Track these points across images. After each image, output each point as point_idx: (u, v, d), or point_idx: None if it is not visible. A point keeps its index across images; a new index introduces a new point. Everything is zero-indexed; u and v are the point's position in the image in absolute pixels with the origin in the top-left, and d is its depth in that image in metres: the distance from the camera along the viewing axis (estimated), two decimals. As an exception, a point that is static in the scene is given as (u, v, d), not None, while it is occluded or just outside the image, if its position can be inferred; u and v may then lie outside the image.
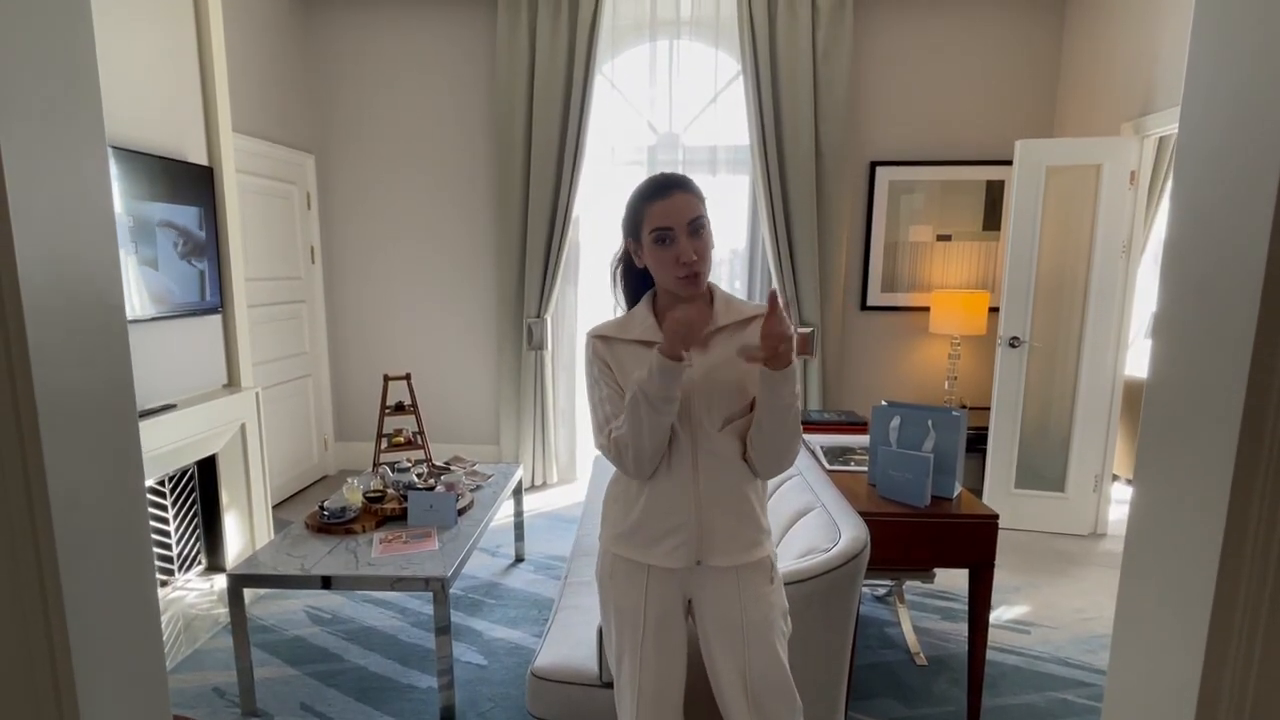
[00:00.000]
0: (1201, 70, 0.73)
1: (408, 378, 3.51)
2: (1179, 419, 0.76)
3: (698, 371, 1.36)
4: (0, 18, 0.60)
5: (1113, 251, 3.56)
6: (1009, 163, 4.15)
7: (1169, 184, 3.95)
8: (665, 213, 1.31)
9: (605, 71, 4.30)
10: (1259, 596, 0.68)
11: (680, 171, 4.35)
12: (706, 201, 1.38)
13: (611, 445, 1.39)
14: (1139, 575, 0.83)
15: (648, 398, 1.29)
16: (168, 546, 2.95)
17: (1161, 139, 3.63)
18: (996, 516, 2.10)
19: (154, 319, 2.67)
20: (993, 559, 2.12)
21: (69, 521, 0.67)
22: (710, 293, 1.44)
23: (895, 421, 2.27)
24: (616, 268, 1.52)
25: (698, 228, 1.33)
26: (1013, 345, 3.74)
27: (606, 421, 1.42)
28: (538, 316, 4.40)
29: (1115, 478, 4.51)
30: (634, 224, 1.37)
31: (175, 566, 2.99)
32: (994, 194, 4.31)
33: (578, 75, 4.13)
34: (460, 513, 2.64)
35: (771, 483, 2.33)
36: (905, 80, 4.28)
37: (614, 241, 1.48)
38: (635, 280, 1.49)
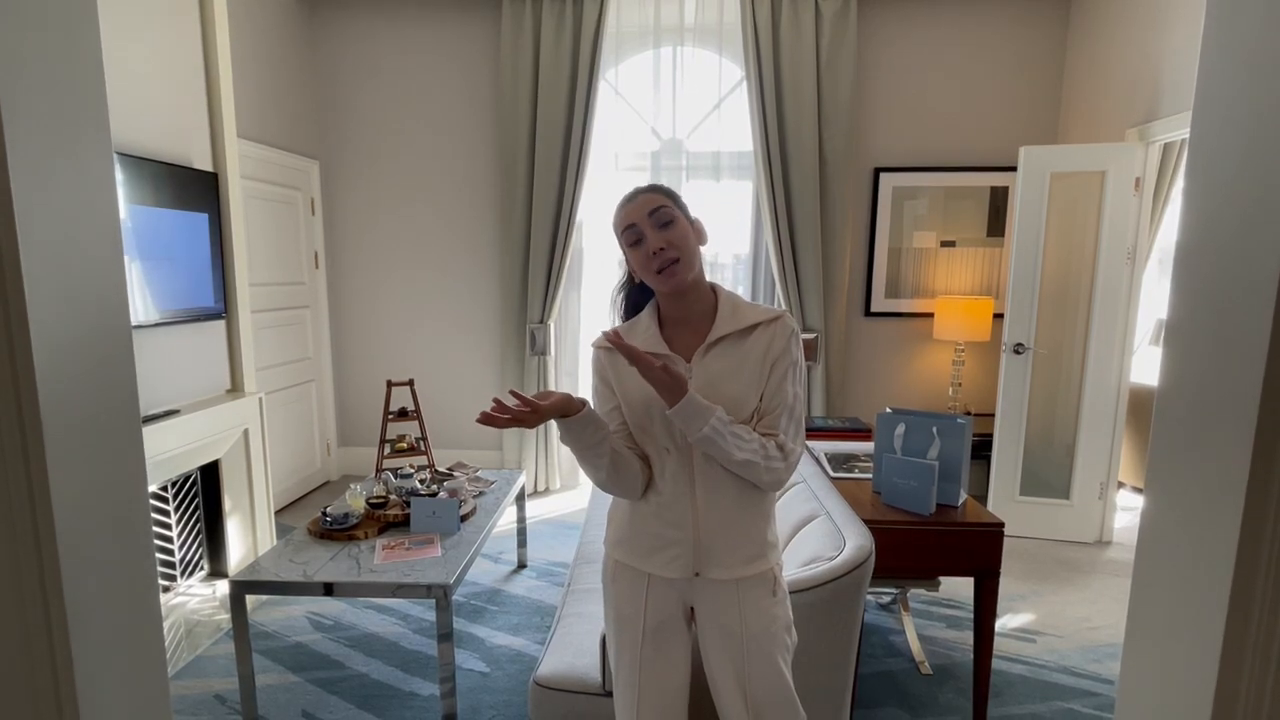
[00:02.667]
0: (1213, 75, 0.73)
1: (411, 383, 3.51)
2: (1192, 426, 0.76)
3: (695, 383, 1.34)
4: (7, 26, 0.60)
5: (1117, 258, 3.55)
6: (1013, 169, 4.15)
7: (1174, 190, 3.94)
8: (628, 214, 1.35)
9: (609, 78, 4.31)
10: (1276, 602, 0.68)
11: (684, 177, 4.37)
12: (681, 201, 1.38)
13: None
14: (1151, 583, 0.83)
15: (573, 446, 1.32)
16: (170, 552, 2.94)
17: (1166, 145, 3.63)
18: (1002, 525, 2.09)
19: (158, 324, 2.68)
20: (998, 568, 2.11)
21: (72, 529, 0.67)
22: (715, 296, 1.43)
23: (900, 429, 2.26)
24: (618, 295, 1.54)
25: (663, 221, 1.33)
26: (1017, 352, 3.73)
27: None
28: (541, 322, 4.40)
29: (1121, 485, 4.50)
30: (617, 236, 1.39)
31: (177, 572, 2.98)
32: (998, 200, 4.31)
33: (581, 81, 4.14)
34: (463, 519, 2.63)
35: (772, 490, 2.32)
36: (909, 87, 4.28)
37: (617, 247, 1.49)
38: (635, 297, 1.52)
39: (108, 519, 0.72)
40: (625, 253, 1.39)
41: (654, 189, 1.37)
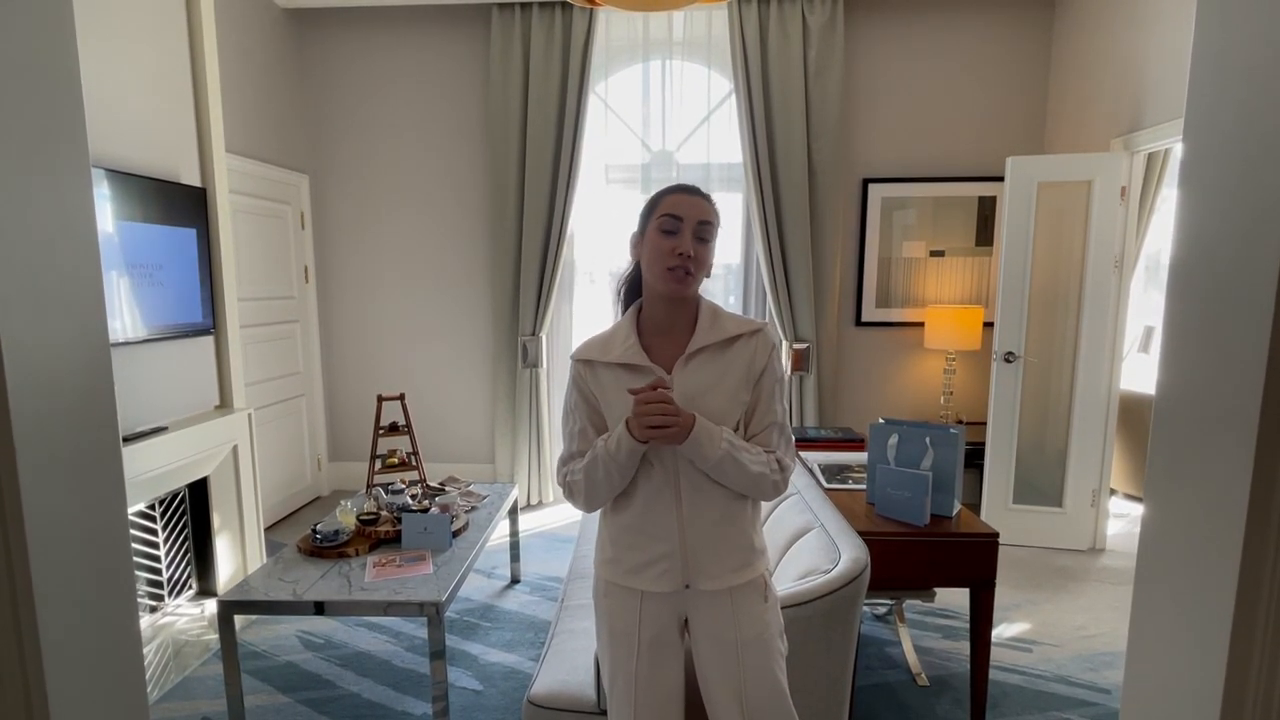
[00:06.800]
0: (1205, 83, 0.73)
1: (401, 397, 3.48)
2: (1191, 433, 0.75)
3: (676, 395, 1.33)
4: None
5: (1104, 266, 3.58)
6: (1000, 179, 4.18)
7: (1159, 199, 3.98)
8: (681, 205, 1.35)
9: (599, 91, 4.33)
10: None
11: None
12: (719, 231, 1.41)
13: (565, 486, 1.42)
14: (1153, 591, 0.82)
15: (609, 464, 1.32)
16: (158, 571, 2.90)
17: (1150, 155, 3.66)
18: (996, 535, 2.08)
19: (145, 340, 2.65)
20: (993, 578, 2.10)
21: (47, 552, 0.65)
22: (696, 307, 1.42)
23: (893, 439, 2.25)
24: (621, 287, 1.52)
25: (704, 235, 1.35)
26: (1008, 360, 3.74)
27: (570, 459, 1.43)
28: (532, 334, 4.39)
29: (1113, 492, 4.51)
30: (647, 213, 1.39)
31: (165, 591, 2.94)
32: (986, 210, 4.33)
33: (571, 95, 4.15)
34: (455, 534, 2.60)
35: (769, 502, 2.31)
36: (896, 98, 4.31)
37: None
38: (638, 290, 1.49)
39: (85, 542, 0.71)
40: (648, 234, 1.37)
41: (711, 201, 1.39)
